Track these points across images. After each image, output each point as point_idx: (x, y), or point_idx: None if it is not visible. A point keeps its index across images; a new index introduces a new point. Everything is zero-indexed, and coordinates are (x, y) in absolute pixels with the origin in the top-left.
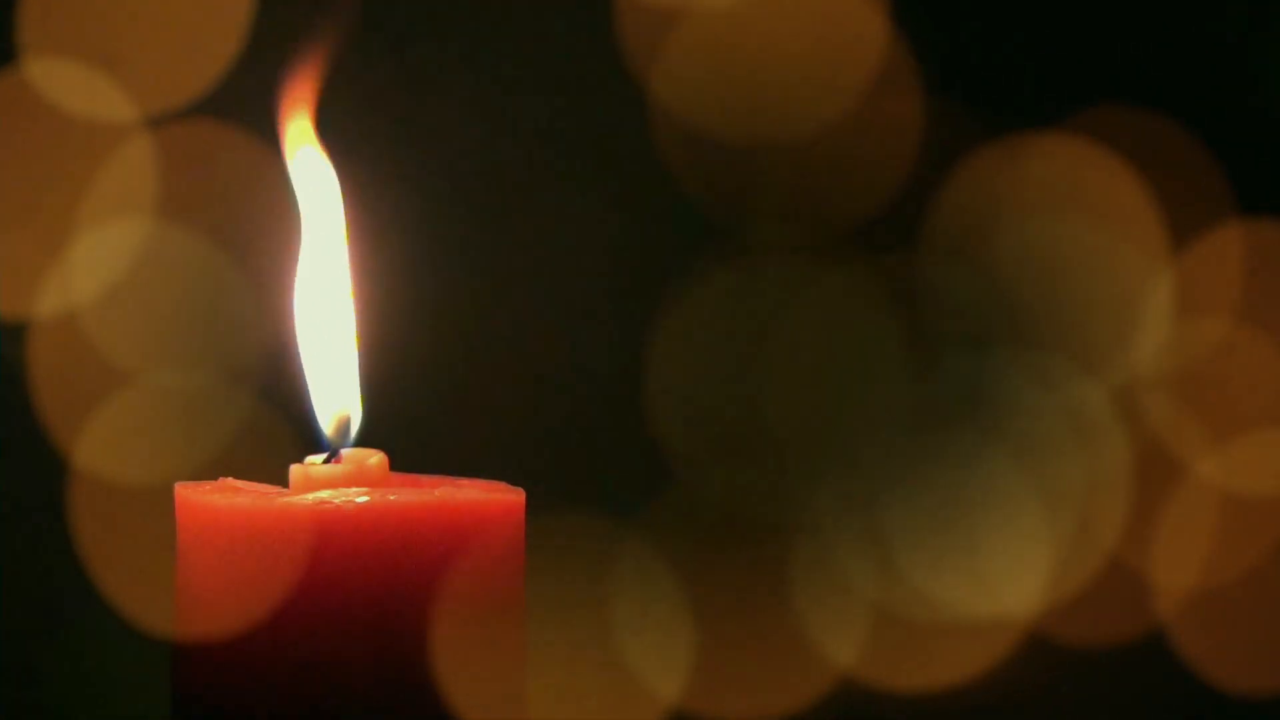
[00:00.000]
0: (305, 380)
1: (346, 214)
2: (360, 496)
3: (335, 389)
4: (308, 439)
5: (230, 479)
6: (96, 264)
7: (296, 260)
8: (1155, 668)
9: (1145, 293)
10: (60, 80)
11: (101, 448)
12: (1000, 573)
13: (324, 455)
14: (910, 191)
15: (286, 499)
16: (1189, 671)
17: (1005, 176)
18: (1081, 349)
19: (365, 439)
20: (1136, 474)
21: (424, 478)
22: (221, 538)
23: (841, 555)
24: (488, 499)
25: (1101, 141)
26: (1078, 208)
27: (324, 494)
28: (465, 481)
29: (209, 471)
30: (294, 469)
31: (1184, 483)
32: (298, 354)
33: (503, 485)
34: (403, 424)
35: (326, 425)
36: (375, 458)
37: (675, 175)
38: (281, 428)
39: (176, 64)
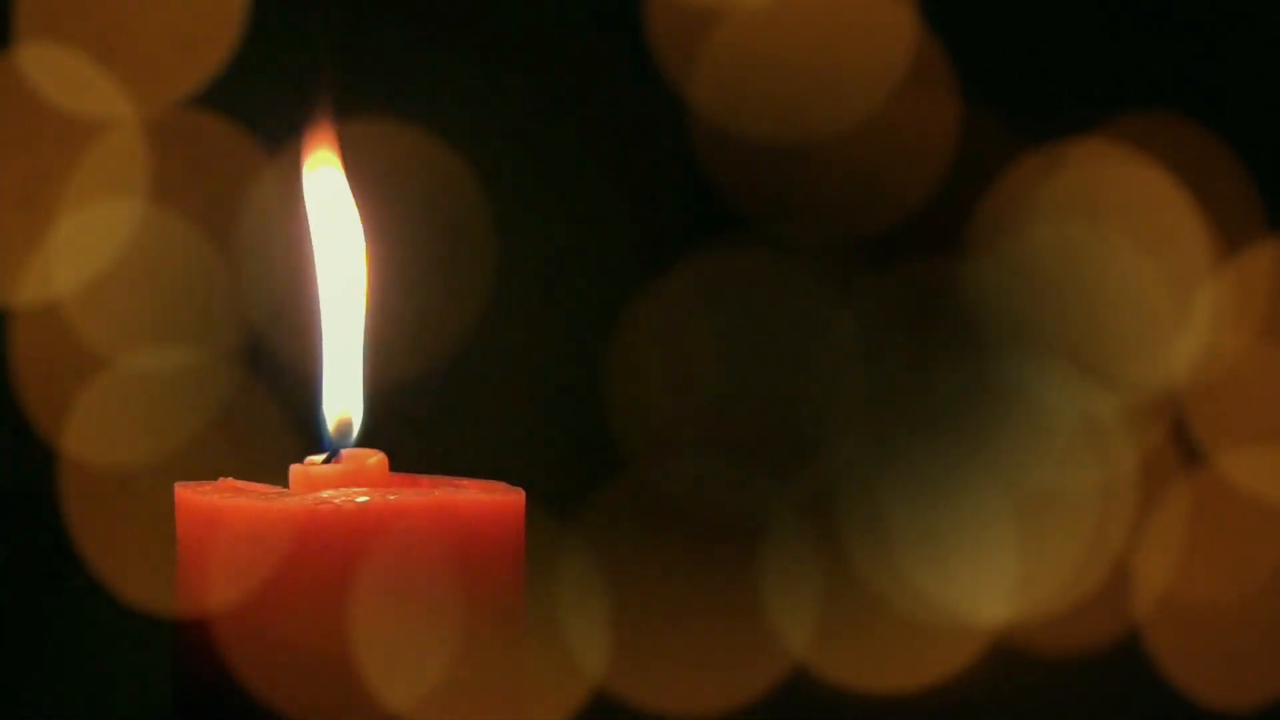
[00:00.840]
0: (318, 378)
1: (363, 223)
2: (360, 496)
3: (339, 389)
4: (308, 439)
5: (230, 479)
6: (82, 252)
7: (297, 256)
8: (1146, 676)
9: (1170, 302)
10: (50, 69)
11: (87, 434)
12: (998, 576)
13: (324, 455)
14: (940, 195)
15: (286, 499)
16: (1182, 686)
17: (1036, 181)
18: (1095, 356)
19: (365, 439)
20: (1140, 482)
21: (424, 478)
22: (222, 537)
23: (829, 554)
24: (488, 499)
25: (1133, 148)
26: (1107, 213)
27: (324, 494)
28: (465, 481)
29: (194, 456)
30: (294, 469)
31: (1185, 490)
32: (317, 352)
33: (503, 485)
34: (403, 424)
35: (329, 425)
36: (375, 458)
37: (708, 175)
38: (277, 424)
39: (167, 55)
